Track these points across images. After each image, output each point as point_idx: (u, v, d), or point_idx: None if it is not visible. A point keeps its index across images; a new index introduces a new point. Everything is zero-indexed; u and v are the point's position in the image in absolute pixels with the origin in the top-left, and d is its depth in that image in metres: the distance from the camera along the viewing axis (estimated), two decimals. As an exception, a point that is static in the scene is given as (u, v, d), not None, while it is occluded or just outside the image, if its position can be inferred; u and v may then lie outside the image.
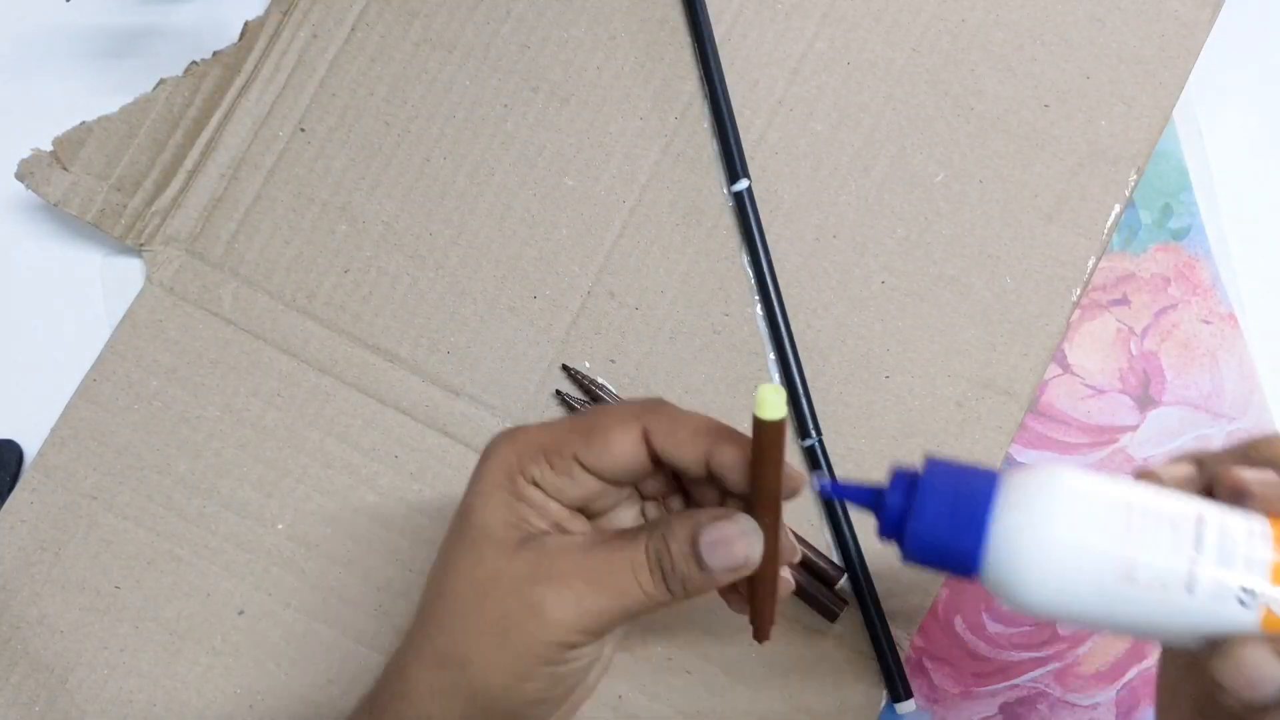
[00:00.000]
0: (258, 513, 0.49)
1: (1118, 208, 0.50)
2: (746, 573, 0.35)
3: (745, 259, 0.50)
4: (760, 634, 0.39)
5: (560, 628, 0.34)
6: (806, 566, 0.48)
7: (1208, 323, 0.52)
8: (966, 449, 0.49)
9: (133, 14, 0.53)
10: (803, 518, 0.49)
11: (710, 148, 0.51)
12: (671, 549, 0.34)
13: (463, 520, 0.36)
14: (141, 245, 0.50)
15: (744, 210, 0.50)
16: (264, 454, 0.49)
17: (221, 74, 0.50)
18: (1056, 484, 0.30)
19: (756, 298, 0.50)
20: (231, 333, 0.50)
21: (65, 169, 0.49)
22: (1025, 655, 0.50)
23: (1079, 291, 0.50)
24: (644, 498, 0.39)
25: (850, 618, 0.49)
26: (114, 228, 0.50)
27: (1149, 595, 0.28)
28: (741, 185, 0.50)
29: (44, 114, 0.50)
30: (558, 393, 0.50)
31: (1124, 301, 0.52)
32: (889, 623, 0.48)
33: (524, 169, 0.51)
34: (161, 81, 0.50)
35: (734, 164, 0.50)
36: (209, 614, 0.49)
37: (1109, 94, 0.51)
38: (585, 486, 0.36)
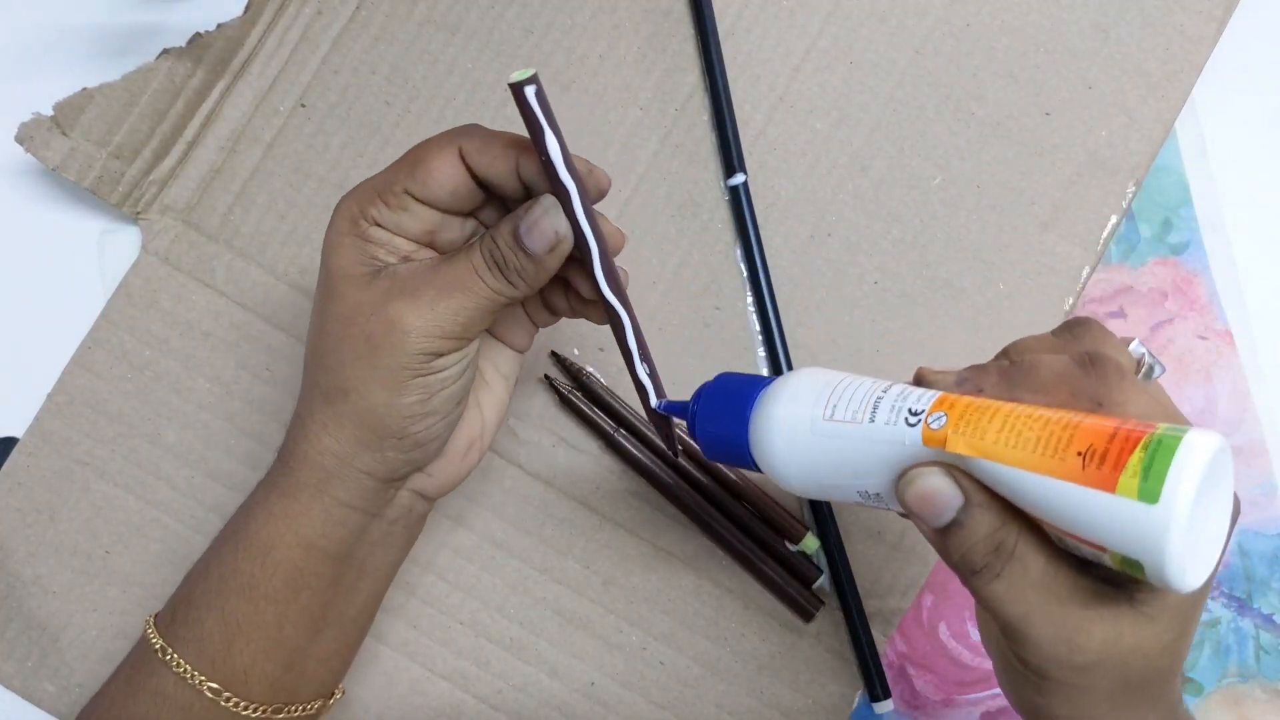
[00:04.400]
0: (243, 485, 0.49)
1: (1114, 218, 0.50)
2: (566, 248, 0.37)
3: (739, 253, 0.50)
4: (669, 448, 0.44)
5: (418, 334, 0.37)
6: (785, 564, 0.49)
7: (1203, 338, 0.52)
8: (951, 454, 0.49)
9: (133, 14, 0.53)
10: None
11: (709, 141, 0.51)
12: (499, 244, 0.37)
13: (323, 273, 0.39)
14: (138, 213, 0.50)
15: (739, 204, 0.50)
16: (251, 428, 0.50)
17: (225, 46, 0.50)
18: (792, 376, 0.37)
19: (748, 292, 0.50)
20: (223, 304, 0.50)
21: (65, 134, 0.49)
22: (1006, 663, 0.50)
23: (1072, 301, 0.50)
24: (487, 228, 0.41)
25: (826, 618, 0.49)
26: (111, 195, 0.50)
27: (846, 430, 0.34)
28: (738, 179, 0.50)
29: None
30: (545, 378, 0.50)
31: (1120, 314, 0.52)
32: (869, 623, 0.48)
33: (522, 154, 0.51)
34: (165, 51, 0.50)
35: (731, 158, 0.50)
36: (192, 583, 0.49)
37: (1111, 105, 0.50)
38: (422, 218, 0.38)
